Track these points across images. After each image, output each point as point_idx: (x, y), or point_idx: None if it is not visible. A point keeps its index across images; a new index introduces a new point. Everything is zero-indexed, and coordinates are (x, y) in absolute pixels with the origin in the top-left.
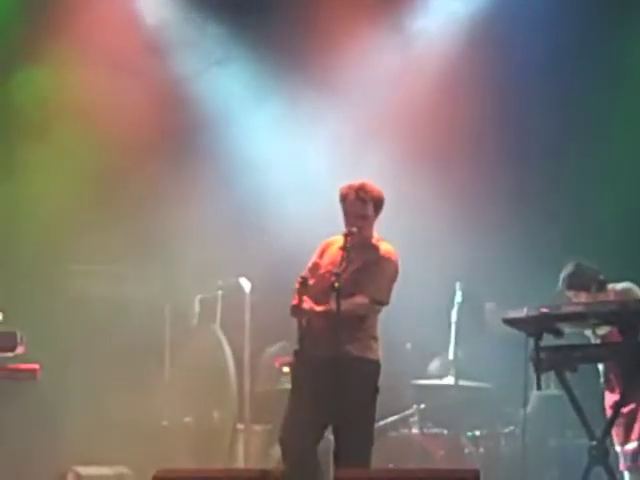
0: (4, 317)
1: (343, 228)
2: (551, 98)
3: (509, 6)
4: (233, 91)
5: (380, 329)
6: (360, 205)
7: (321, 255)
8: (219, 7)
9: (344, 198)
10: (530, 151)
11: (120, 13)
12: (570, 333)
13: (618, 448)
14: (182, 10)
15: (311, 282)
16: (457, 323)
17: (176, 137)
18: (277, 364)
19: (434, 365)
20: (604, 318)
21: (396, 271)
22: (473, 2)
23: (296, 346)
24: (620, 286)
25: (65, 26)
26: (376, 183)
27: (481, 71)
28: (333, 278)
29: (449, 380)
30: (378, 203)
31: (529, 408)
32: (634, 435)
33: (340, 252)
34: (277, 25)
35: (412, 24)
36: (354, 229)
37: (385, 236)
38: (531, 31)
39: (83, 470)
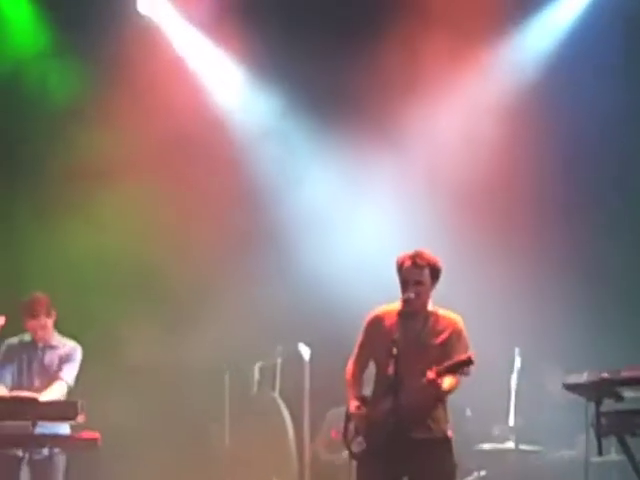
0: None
1: (398, 294)
2: (627, 155)
3: (582, 53)
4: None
5: None
6: (417, 272)
7: (373, 330)
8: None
9: (401, 266)
10: (594, 213)
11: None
12: None
13: None
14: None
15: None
16: (517, 389)
17: (234, 203)
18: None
19: (494, 431)
20: None
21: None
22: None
23: None
24: None
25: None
26: (436, 247)
27: (545, 125)
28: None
29: (509, 445)
30: (434, 270)
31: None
32: None
33: (397, 319)
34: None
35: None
36: (412, 295)
37: (446, 300)
38: (600, 83)
39: None
